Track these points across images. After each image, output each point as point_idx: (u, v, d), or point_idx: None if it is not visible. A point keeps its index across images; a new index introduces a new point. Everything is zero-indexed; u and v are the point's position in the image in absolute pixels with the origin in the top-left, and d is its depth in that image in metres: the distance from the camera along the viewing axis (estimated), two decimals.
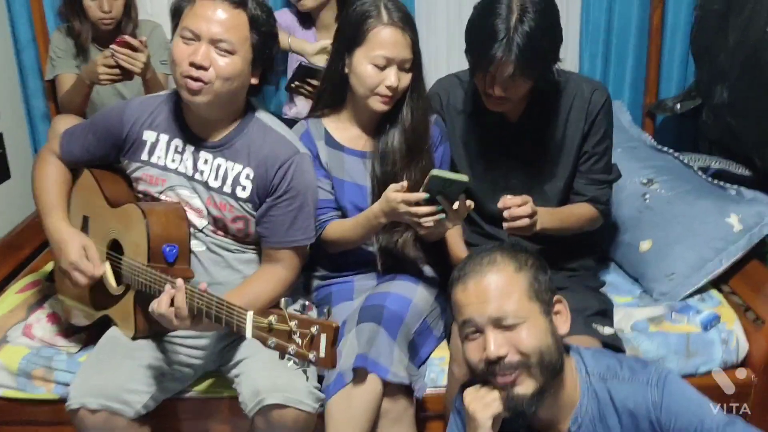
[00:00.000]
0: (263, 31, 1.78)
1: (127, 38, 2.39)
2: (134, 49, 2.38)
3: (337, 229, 1.99)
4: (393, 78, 1.89)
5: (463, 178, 1.73)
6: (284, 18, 2.73)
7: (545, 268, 1.50)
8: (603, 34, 3.03)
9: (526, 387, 1.40)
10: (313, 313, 1.98)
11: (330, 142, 2.05)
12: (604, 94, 2.04)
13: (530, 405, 1.40)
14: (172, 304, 1.64)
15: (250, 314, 1.50)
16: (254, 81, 1.84)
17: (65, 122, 2.47)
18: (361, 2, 1.95)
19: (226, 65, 1.73)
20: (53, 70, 2.78)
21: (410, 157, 1.98)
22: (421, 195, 1.75)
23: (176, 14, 1.80)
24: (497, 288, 1.43)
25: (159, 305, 1.64)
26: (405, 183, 1.80)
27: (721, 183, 2.42)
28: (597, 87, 2.05)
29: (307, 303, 1.50)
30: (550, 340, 1.42)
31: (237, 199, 1.86)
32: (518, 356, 1.39)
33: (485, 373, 1.42)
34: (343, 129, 2.06)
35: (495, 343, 1.39)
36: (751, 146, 2.58)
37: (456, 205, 1.77)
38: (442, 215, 1.78)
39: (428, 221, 1.77)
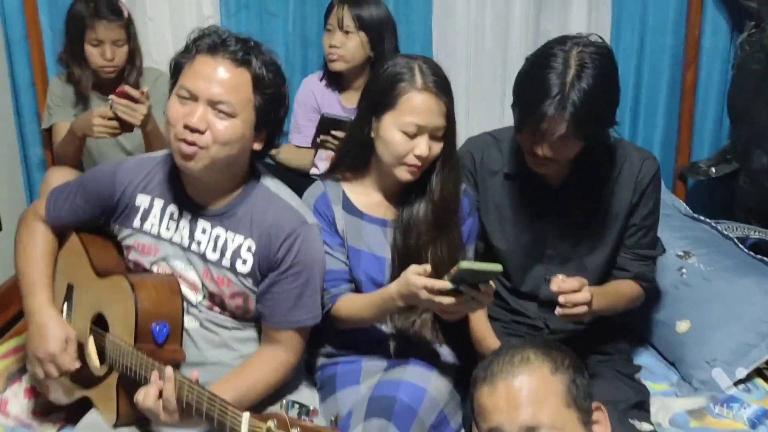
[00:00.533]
0: (269, 93, 1.62)
1: (128, 89, 2.26)
2: (135, 100, 2.26)
3: (349, 305, 1.81)
4: (423, 147, 1.73)
5: (496, 268, 1.56)
6: (311, 83, 2.68)
7: (583, 370, 1.30)
8: (632, 90, 2.90)
9: None
10: (319, 420, 1.77)
11: (348, 207, 1.88)
12: (655, 164, 1.91)
13: None
14: (160, 395, 1.47)
15: (245, 416, 1.31)
16: (257, 146, 1.67)
17: (59, 175, 2.37)
18: (393, 62, 1.79)
19: (224, 129, 1.57)
20: (50, 118, 2.67)
21: (437, 231, 1.82)
22: (446, 284, 1.58)
23: (175, 71, 1.64)
24: (530, 392, 1.23)
25: (145, 398, 1.48)
26: (428, 267, 1.62)
27: (765, 258, 2.24)
28: (648, 156, 1.92)
29: (312, 408, 1.32)
30: None
31: (237, 273, 1.69)
32: None
33: None
34: (363, 194, 1.90)
35: None
36: None
37: (482, 288, 1.60)
38: (470, 303, 1.62)
39: (451, 309, 1.61)
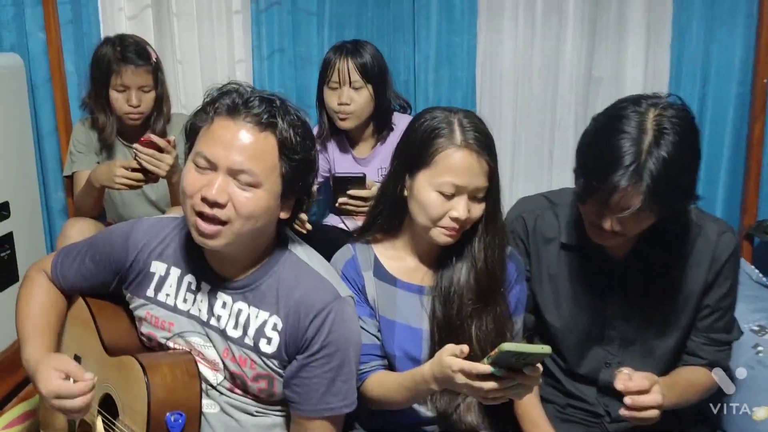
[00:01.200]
0: (296, 159, 1.44)
1: (153, 137, 2.12)
2: (161, 149, 2.12)
3: (380, 384, 1.63)
4: (461, 209, 1.57)
5: (544, 350, 1.36)
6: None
7: None
8: None
9: None
10: None
11: (380, 273, 1.71)
12: (735, 239, 1.71)
13: None
14: None
15: None
16: (284, 215, 1.50)
17: (78, 227, 2.28)
18: (431, 115, 1.62)
19: (247, 201, 1.40)
20: (71, 165, 2.55)
21: (482, 303, 1.65)
22: (486, 368, 1.38)
23: (191, 134, 1.47)
24: None
25: None
26: (465, 348, 1.43)
27: None
28: (726, 229, 1.72)
29: None
30: None
31: (260, 353, 1.50)
32: None
33: None
34: (397, 258, 1.73)
35: None
36: None
37: (528, 372, 1.40)
38: (514, 389, 1.41)
39: (493, 396, 1.41)
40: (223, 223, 1.39)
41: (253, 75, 2.73)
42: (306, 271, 1.52)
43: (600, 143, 1.54)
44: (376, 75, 2.38)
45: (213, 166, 1.39)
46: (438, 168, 1.57)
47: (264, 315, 1.50)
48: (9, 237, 2.56)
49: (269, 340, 1.50)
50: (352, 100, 2.37)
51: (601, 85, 2.67)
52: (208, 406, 1.54)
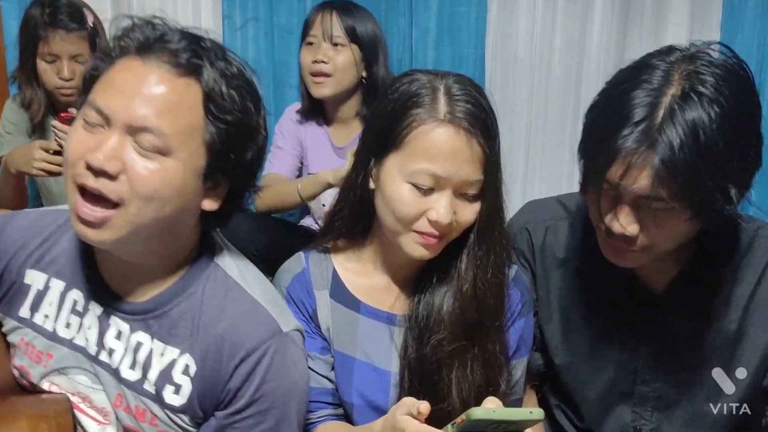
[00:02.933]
0: (230, 121, 1.06)
1: (74, 112, 1.74)
2: None
3: None
4: (443, 210, 1.18)
5: (534, 415, 1.02)
6: (294, 114, 2.25)
7: None
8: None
9: None
10: None
11: (339, 293, 1.33)
12: None
13: None
14: None
15: None
16: (210, 205, 1.11)
17: None
18: (411, 78, 1.24)
19: (149, 174, 1.02)
20: (1, 148, 2.22)
21: (468, 341, 1.27)
22: None
23: (89, 82, 1.08)
24: None
25: None
26: (424, 406, 1.07)
27: None
28: None
29: None
30: None
31: (164, 405, 1.12)
32: None
33: None
34: (362, 274, 1.35)
35: None
36: None
37: None
38: None
39: None
40: (115, 205, 1.01)
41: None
42: (236, 295, 1.13)
43: (608, 98, 1.17)
44: (365, 37, 2.08)
45: (106, 121, 1.01)
46: (412, 150, 1.18)
47: (172, 353, 1.11)
48: None
49: (177, 388, 1.10)
50: (330, 58, 2.04)
51: None
52: None
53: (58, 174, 1.89)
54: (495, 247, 1.26)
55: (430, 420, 1.06)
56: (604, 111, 1.19)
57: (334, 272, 1.33)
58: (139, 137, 1.00)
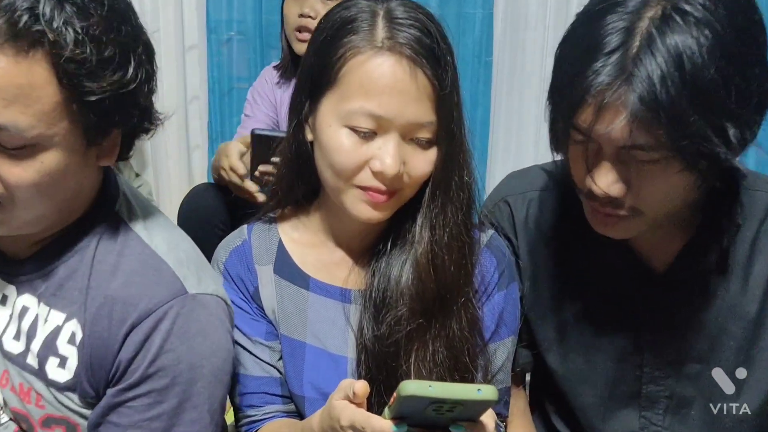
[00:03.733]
0: (94, 81, 0.86)
1: None
2: None
3: None
4: (389, 158, 1.01)
5: (484, 394, 0.84)
6: (270, 75, 2.13)
7: None
8: None
9: None
10: None
11: (284, 267, 1.17)
12: None
13: None
14: None
15: None
16: (108, 161, 0.96)
17: None
18: (350, 3, 1.07)
19: (24, 174, 0.88)
20: None
21: (426, 316, 1.10)
22: (383, 424, 0.88)
23: None
24: None
25: None
26: (360, 386, 0.92)
27: None
28: None
29: None
30: None
31: (48, 382, 0.95)
32: None
33: None
34: (310, 245, 1.19)
35: None
36: None
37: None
38: None
39: None
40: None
41: (207, 7, 2.40)
42: (135, 249, 0.96)
43: (579, 28, 1.01)
44: None
45: None
46: (347, 86, 1.01)
47: (58, 318, 0.94)
48: None
49: (63, 361, 0.93)
50: (318, 13, 1.89)
51: None
52: None
53: None
54: (453, 204, 1.08)
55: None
56: (573, 43, 1.02)
57: (280, 243, 1.16)
58: None
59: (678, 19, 0.94)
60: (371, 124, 0.98)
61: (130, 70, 0.89)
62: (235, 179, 1.80)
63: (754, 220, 1.16)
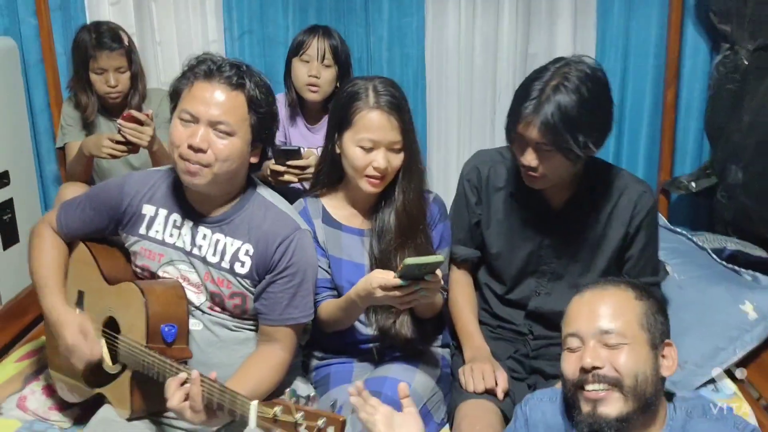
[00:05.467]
0: (262, 112, 1.77)
1: (134, 113, 2.38)
2: (141, 123, 2.38)
3: (327, 310, 1.95)
4: (380, 160, 1.87)
5: (438, 258, 1.69)
6: (280, 102, 2.62)
7: (665, 314, 1.52)
8: (617, 109, 2.86)
9: (612, 408, 1.41)
10: (318, 406, 1.89)
11: (327, 220, 2.02)
12: (652, 198, 2.00)
13: (611, 427, 1.41)
14: (186, 397, 1.58)
15: (254, 404, 1.45)
16: (254, 159, 1.82)
17: (72, 190, 2.49)
18: (353, 83, 1.94)
19: (224, 147, 1.72)
20: (63, 137, 2.80)
21: (403, 238, 1.95)
22: (396, 282, 1.70)
23: (175, 96, 1.79)
24: (612, 304, 1.46)
25: (172, 399, 1.58)
26: (390, 274, 1.73)
27: (736, 268, 2.36)
28: (645, 189, 2.00)
29: (312, 394, 1.48)
30: (648, 372, 1.43)
31: (235, 275, 1.82)
32: (613, 373, 1.42)
33: (575, 385, 1.45)
34: (340, 207, 2.04)
35: (593, 354, 1.42)
36: (765, 228, 2.54)
37: (429, 278, 1.72)
38: (421, 293, 1.74)
39: (406, 299, 1.74)
40: (205, 165, 1.71)
41: (225, 55, 2.91)
42: (272, 208, 1.85)
43: (522, 86, 1.85)
44: (342, 60, 2.60)
45: (195, 120, 1.72)
46: (357, 126, 1.88)
47: (237, 243, 1.82)
48: (9, 202, 2.86)
49: (243, 264, 1.82)
50: (321, 75, 2.54)
51: (536, 60, 2.90)
52: (194, 324, 1.85)
53: (121, 157, 2.46)
54: (415, 180, 1.95)
55: None
56: (518, 93, 1.84)
57: (323, 207, 2.02)
58: (216, 127, 1.71)
59: (563, 87, 1.75)
60: (370, 144, 1.86)
61: (274, 114, 1.80)
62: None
63: (615, 194, 1.96)
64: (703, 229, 2.81)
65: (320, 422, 1.38)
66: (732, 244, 2.61)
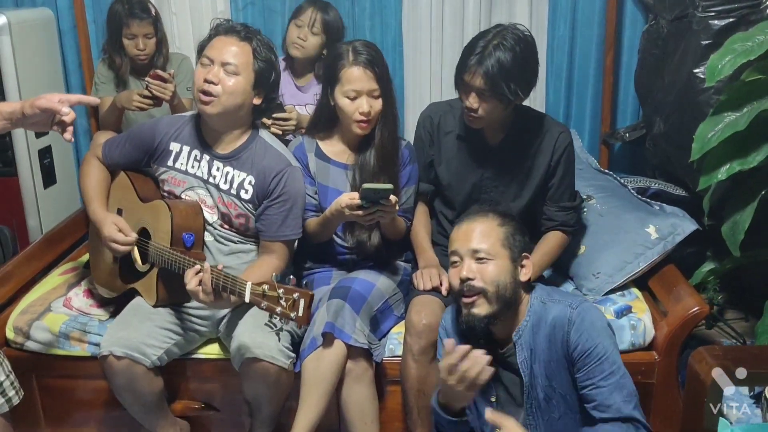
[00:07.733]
0: (263, 60, 2.23)
1: (159, 72, 2.84)
2: (165, 80, 2.83)
3: (311, 225, 2.40)
4: (364, 105, 2.31)
5: (387, 186, 2.09)
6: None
7: (524, 233, 1.97)
8: (566, 72, 3.47)
9: (480, 309, 1.87)
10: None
11: (319, 154, 2.47)
12: (569, 136, 2.44)
13: (481, 323, 1.86)
14: (199, 283, 2.05)
15: (249, 284, 1.96)
16: (257, 101, 2.28)
17: (104, 137, 2.91)
18: (337, 47, 2.39)
19: (231, 83, 2.19)
20: (96, 93, 3.24)
21: (380, 171, 2.40)
22: (358, 203, 2.12)
23: (200, 50, 2.28)
24: (481, 230, 1.91)
25: (189, 283, 2.06)
26: (354, 195, 2.14)
27: (648, 200, 2.81)
28: (563, 130, 2.43)
29: (291, 277, 1.95)
30: (508, 280, 1.87)
31: (241, 199, 2.32)
32: (481, 283, 1.85)
33: (457, 295, 1.89)
34: (331, 145, 2.48)
35: (467, 268, 1.87)
36: (683, 171, 2.98)
37: (385, 202, 2.12)
38: (378, 213, 2.16)
39: (367, 217, 2.16)
40: (215, 96, 2.18)
41: None
42: (270, 148, 2.34)
43: (468, 45, 2.27)
44: (333, 32, 2.96)
45: (212, 62, 2.20)
46: (343, 81, 2.31)
47: (243, 175, 2.32)
48: (49, 149, 3.37)
49: (246, 191, 2.32)
50: (307, 40, 2.95)
51: None
52: (207, 237, 2.36)
53: (147, 109, 2.90)
54: (390, 122, 2.38)
55: None
56: (465, 49, 2.23)
57: (317, 144, 2.47)
58: (226, 67, 2.19)
59: (501, 46, 2.16)
60: (354, 94, 2.30)
61: (273, 64, 2.25)
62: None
63: (540, 135, 2.40)
64: (639, 173, 3.27)
65: (295, 295, 1.87)
66: (657, 185, 3.09)
